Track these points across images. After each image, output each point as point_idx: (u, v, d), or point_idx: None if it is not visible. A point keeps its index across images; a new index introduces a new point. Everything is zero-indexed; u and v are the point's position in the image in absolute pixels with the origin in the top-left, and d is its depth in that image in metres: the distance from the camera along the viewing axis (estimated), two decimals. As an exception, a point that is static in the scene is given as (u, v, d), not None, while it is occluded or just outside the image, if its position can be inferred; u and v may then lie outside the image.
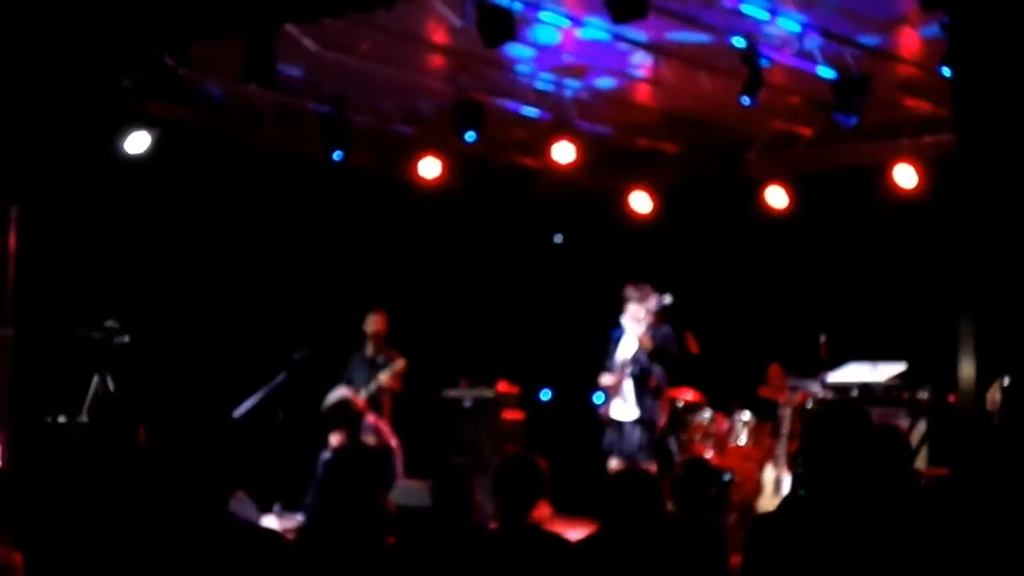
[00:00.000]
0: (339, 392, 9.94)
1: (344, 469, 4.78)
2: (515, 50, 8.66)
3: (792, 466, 8.56)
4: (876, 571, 3.73)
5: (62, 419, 8.32)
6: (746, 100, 8.53)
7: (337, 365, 10.26)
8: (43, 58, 7.96)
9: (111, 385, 8.58)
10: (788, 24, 8.15)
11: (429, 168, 11.12)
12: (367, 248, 11.40)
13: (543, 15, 7.92)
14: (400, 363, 10.01)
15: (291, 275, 10.99)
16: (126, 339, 8.79)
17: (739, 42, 8.17)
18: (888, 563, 3.75)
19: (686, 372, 10.14)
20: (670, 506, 8.15)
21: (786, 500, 4.31)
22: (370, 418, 9.79)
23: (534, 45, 8.73)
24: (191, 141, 10.12)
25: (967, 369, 9.37)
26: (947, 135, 9.61)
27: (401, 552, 4.77)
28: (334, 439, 9.54)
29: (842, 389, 8.83)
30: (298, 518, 9.33)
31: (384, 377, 9.99)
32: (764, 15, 7.93)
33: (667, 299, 9.45)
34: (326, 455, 9.28)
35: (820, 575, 3.73)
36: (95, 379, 8.62)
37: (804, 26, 8.22)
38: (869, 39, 8.56)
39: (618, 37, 8.37)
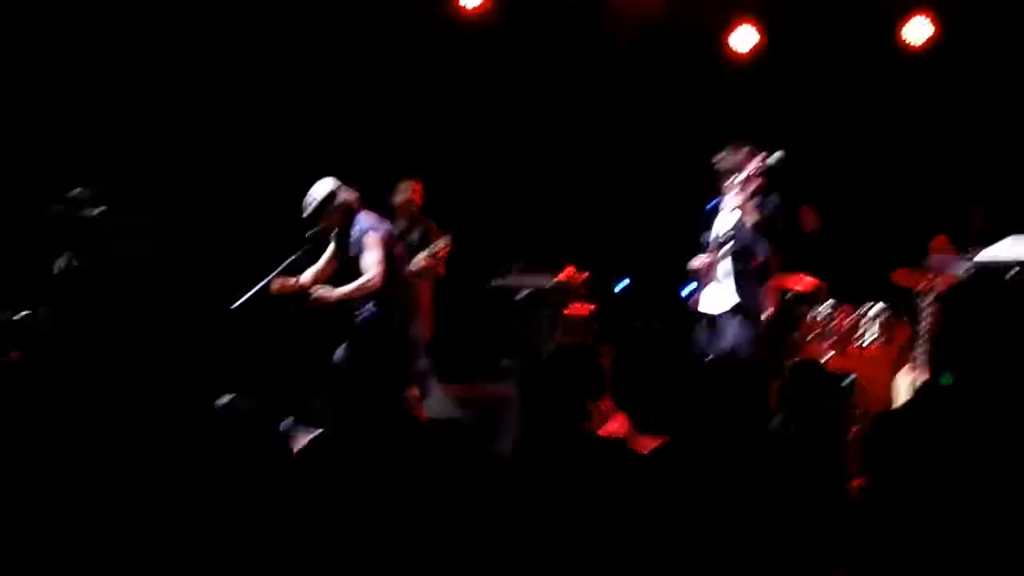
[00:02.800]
0: None
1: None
2: None
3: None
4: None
5: (24, 313, 8.34)
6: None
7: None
8: None
9: (78, 267, 8.58)
10: None
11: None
12: (396, 98, 11.32)
13: None
14: (442, 241, 9.97)
15: (305, 135, 10.93)
16: (97, 212, 8.76)
17: None
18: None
19: (799, 253, 9.98)
20: (777, 418, 8.09)
21: (923, 392, 4.19)
22: None
23: None
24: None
25: None
26: None
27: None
28: None
29: (999, 269, 8.65)
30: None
31: (422, 258, 9.94)
32: None
33: (776, 157, 9.19)
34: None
35: (966, 486, 3.60)
36: (59, 261, 8.63)
37: None
38: None
39: None
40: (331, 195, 8.51)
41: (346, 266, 8.59)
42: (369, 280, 8.38)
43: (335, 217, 8.50)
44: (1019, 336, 3.76)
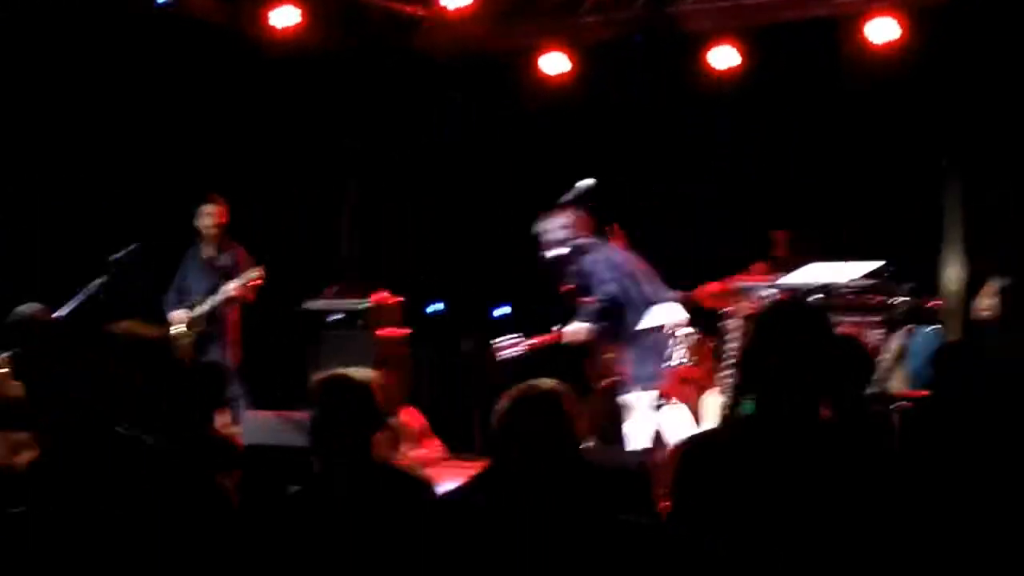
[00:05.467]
0: (173, 315, 9.87)
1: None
2: None
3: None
4: (834, 511, 3.74)
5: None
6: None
7: (170, 267, 10.15)
8: None
9: None
10: None
11: (283, 17, 10.88)
12: (204, 120, 11.18)
13: None
14: (255, 272, 9.88)
15: (109, 155, 10.76)
16: None
17: None
18: (852, 500, 3.76)
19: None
20: (587, 441, 8.19)
21: (727, 418, 4.30)
22: None
23: None
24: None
25: (953, 269, 9.58)
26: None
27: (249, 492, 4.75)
28: None
29: (802, 293, 8.88)
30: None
31: (233, 287, 9.86)
32: None
33: (585, 184, 9.44)
34: None
35: (767, 514, 3.73)
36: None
37: None
38: None
39: None
40: None
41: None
42: None
43: None
44: (816, 364, 3.88)
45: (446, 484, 4.85)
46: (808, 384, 3.81)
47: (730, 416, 4.22)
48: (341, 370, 4.71)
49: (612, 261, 9.28)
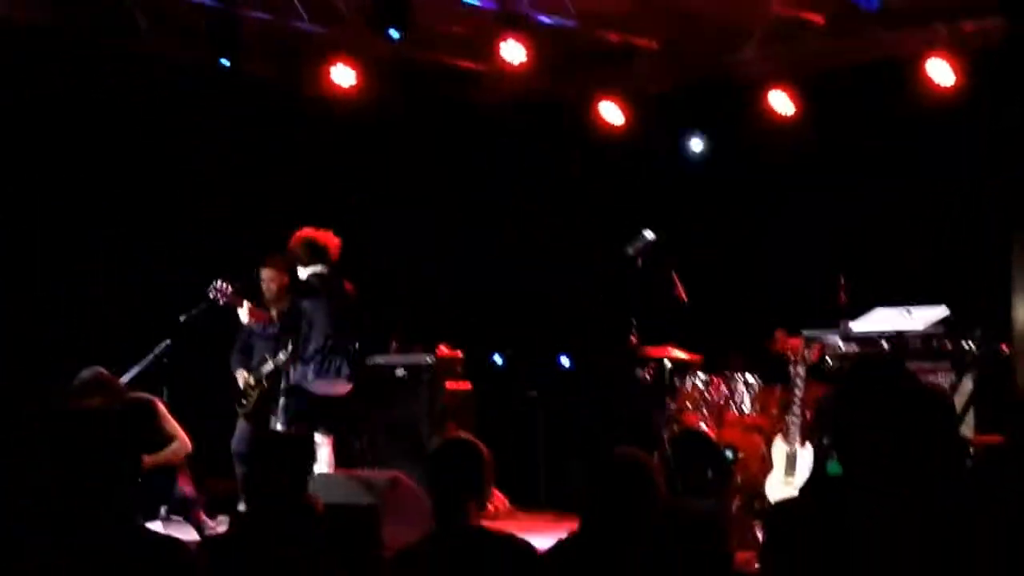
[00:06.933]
0: (237, 375, 9.93)
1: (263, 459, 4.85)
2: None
3: (808, 438, 8.55)
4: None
5: None
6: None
7: (235, 327, 10.17)
8: None
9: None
10: None
11: (342, 77, 10.97)
12: (264, 180, 11.26)
13: None
14: None
15: (173, 215, 10.85)
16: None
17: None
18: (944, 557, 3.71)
19: (673, 324, 10.14)
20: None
21: (812, 484, 4.24)
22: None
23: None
24: (45, 45, 9.95)
25: (1022, 312, 9.49)
26: (993, 20, 9.63)
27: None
28: None
29: (869, 341, 8.82)
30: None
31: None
32: None
33: (649, 235, 9.45)
34: None
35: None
36: None
37: None
38: None
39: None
40: None
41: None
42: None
43: None
44: (903, 430, 3.82)
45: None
46: (900, 447, 3.75)
47: (816, 478, 4.20)
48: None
49: None
